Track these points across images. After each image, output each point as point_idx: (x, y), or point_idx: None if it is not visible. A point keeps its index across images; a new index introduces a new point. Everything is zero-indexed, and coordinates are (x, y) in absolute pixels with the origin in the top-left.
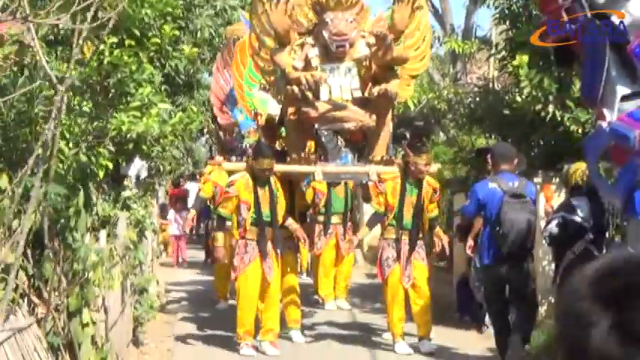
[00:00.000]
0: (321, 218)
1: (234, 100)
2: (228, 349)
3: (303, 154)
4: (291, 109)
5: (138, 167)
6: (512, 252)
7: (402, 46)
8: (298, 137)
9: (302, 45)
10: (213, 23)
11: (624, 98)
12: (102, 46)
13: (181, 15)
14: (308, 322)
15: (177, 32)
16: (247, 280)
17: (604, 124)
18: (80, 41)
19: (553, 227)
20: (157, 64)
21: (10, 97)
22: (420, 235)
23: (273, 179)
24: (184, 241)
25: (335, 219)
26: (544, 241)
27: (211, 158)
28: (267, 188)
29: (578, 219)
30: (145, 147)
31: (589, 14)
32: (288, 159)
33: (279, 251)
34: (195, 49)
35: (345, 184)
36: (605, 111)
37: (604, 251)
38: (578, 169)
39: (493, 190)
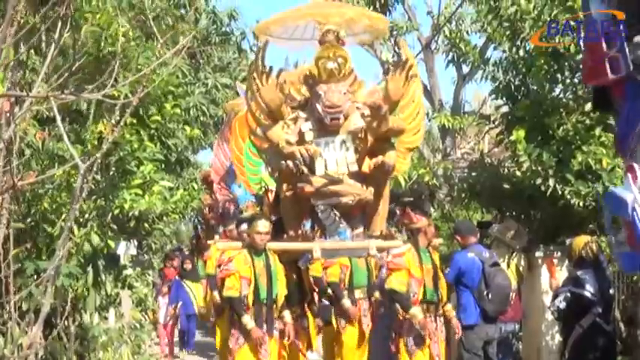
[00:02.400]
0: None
1: (234, 175)
2: None
3: (300, 231)
4: (286, 185)
5: (123, 247)
6: (497, 313)
7: (398, 117)
8: (294, 213)
9: (295, 119)
10: (206, 101)
11: None
12: (100, 125)
13: (181, 94)
14: None
15: (178, 110)
16: None
17: (631, 179)
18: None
19: (561, 302)
20: (157, 141)
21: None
22: (441, 311)
23: (271, 254)
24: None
25: (358, 293)
26: (550, 316)
27: (197, 238)
28: (264, 262)
29: (586, 293)
30: (147, 225)
31: (631, 67)
32: (285, 236)
33: (276, 333)
34: (197, 130)
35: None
36: (636, 166)
37: (612, 325)
38: (583, 242)
39: (472, 259)
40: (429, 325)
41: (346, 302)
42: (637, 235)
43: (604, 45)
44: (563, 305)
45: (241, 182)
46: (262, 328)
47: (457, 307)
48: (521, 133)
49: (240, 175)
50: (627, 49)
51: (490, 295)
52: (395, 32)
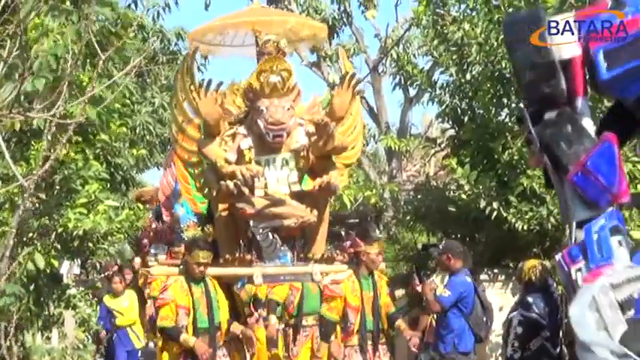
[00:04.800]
0: (292, 321)
1: (178, 195)
2: None
3: (237, 255)
4: (222, 206)
5: (68, 266)
6: (486, 338)
7: (339, 134)
8: (230, 235)
9: (233, 135)
10: (153, 120)
11: (579, 225)
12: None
13: (128, 113)
14: None
15: (124, 129)
16: None
17: (557, 257)
18: (49, 137)
19: (516, 327)
20: (103, 160)
21: None
22: (383, 339)
23: (210, 280)
24: None
25: (310, 320)
26: (494, 338)
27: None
28: (202, 289)
29: (536, 316)
30: (91, 244)
31: (539, 147)
32: (221, 260)
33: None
34: (143, 150)
35: None
36: (568, 240)
37: (559, 349)
38: (532, 265)
39: (470, 284)
40: (369, 354)
41: (236, 327)
42: None
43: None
44: (520, 330)
45: (184, 201)
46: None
47: (446, 332)
48: (454, 160)
49: (186, 193)
50: (534, 130)
51: (485, 318)
52: (345, 59)
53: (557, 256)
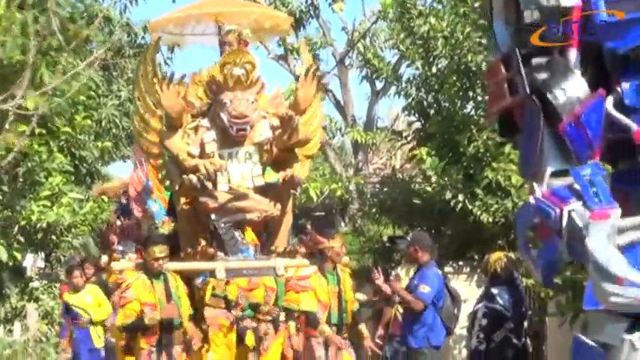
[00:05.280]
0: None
1: (150, 191)
2: None
3: (199, 249)
4: (184, 199)
5: (32, 259)
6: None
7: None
8: (192, 229)
9: (196, 128)
10: (119, 114)
11: (554, 174)
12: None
13: (93, 105)
14: None
15: (88, 122)
16: None
17: (531, 199)
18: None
19: (481, 319)
20: (67, 153)
21: None
22: (345, 334)
23: (170, 275)
24: None
25: (283, 316)
26: (458, 330)
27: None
28: (163, 285)
29: (500, 308)
30: (55, 237)
31: (528, 90)
32: (182, 254)
33: (197, 345)
34: (108, 143)
35: None
36: (535, 186)
37: (523, 340)
38: (497, 258)
39: (441, 277)
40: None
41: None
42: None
43: (502, 68)
44: (484, 322)
45: (156, 198)
46: (174, 351)
47: (418, 327)
48: (424, 150)
49: (157, 190)
50: (524, 72)
51: (455, 311)
52: (311, 47)
53: (532, 199)
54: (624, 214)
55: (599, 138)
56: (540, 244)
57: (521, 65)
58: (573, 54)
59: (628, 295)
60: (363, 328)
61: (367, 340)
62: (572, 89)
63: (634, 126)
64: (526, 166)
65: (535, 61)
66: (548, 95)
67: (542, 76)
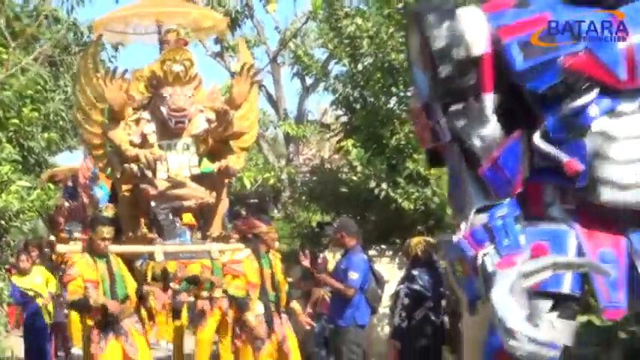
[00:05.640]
0: (205, 294)
1: (96, 177)
2: None
3: (139, 233)
4: (126, 187)
5: None
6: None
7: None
8: (132, 214)
9: (137, 120)
10: (65, 107)
11: (477, 211)
12: None
13: (41, 99)
14: None
15: (35, 114)
16: None
17: (454, 238)
18: None
19: (404, 298)
20: (16, 143)
21: None
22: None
23: (113, 257)
24: None
25: (218, 292)
26: (381, 309)
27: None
28: (105, 265)
29: (420, 288)
30: (4, 222)
31: (448, 138)
32: (124, 237)
33: (139, 327)
34: (55, 134)
35: None
36: (462, 224)
37: (441, 317)
38: (418, 242)
39: (366, 260)
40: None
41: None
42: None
43: (424, 115)
44: (406, 301)
45: (102, 183)
46: (124, 325)
47: (346, 307)
48: (350, 142)
49: (104, 177)
50: (444, 120)
51: (380, 292)
52: (244, 50)
53: (456, 238)
54: (534, 209)
55: (518, 174)
56: (464, 278)
57: (440, 116)
58: (489, 98)
59: (524, 347)
60: (295, 305)
61: (301, 316)
62: (489, 135)
63: (563, 157)
64: (453, 201)
65: (452, 108)
66: (467, 142)
67: (460, 123)
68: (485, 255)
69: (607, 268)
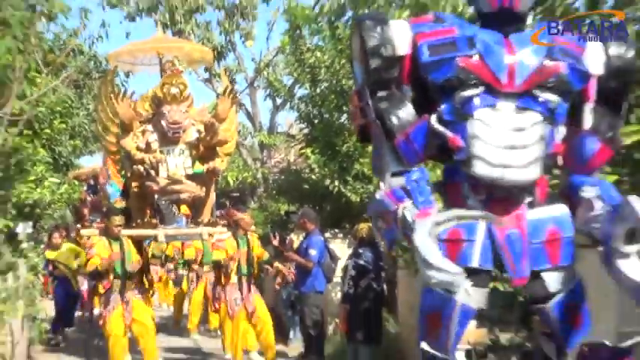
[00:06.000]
0: (195, 268)
1: (109, 177)
2: None
3: (146, 220)
4: (135, 183)
5: (22, 227)
6: (332, 278)
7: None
8: (140, 205)
9: (143, 132)
10: (87, 120)
11: (393, 174)
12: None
13: (68, 114)
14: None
15: (63, 126)
16: (113, 324)
17: (377, 195)
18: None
19: (351, 270)
20: (48, 149)
21: None
22: (253, 281)
23: (125, 239)
24: None
25: (206, 268)
26: (334, 279)
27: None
28: (118, 245)
29: (363, 262)
30: (39, 210)
31: (374, 116)
32: (134, 224)
33: (138, 296)
34: (79, 142)
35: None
36: (381, 184)
37: (381, 286)
38: (363, 227)
39: (322, 240)
40: (243, 290)
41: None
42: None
43: (356, 98)
44: (353, 273)
45: (113, 182)
46: (121, 295)
47: (306, 277)
48: (308, 150)
49: (115, 175)
50: (371, 102)
51: (333, 266)
52: (228, 73)
53: (378, 195)
54: (455, 202)
55: (424, 148)
56: (384, 227)
57: (369, 98)
58: (407, 89)
59: (442, 278)
60: (278, 265)
61: (281, 268)
62: (404, 116)
63: (449, 134)
64: (375, 166)
65: (378, 94)
66: (387, 120)
67: (383, 105)
68: (404, 209)
69: (514, 238)
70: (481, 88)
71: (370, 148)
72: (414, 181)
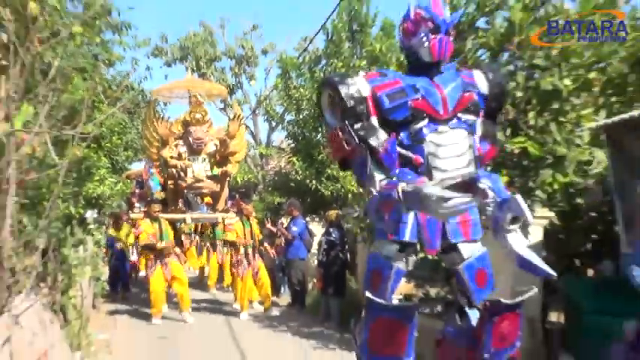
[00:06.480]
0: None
1: (152, 175)
2: (144, 320)
3: (178, 207)
4: (170, 182)
5: (90, 213)
6: (310, 249)
7: (232, 145)
8: (174, 197)
9: (176, 145)
10: (137, 137)
11: (380, 181)
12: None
13: (122, 132)
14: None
15: (119, 141)
16: (154, 281)
17: (374, 193)
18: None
19: (325, 244)
20: (108, 157)
21: (37, 177)
22: (256, 253)
23: (163, 220)
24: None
25: (218, 242)
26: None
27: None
28: (157, 225)
29: (332, 238)
30: (101, 201)
31: (358, 141)
32: (169, 210)
33: (175, 259)
34: (130, 152)
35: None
36: (372, 189)
37: (346, 256)
38: (332, 213)
39: (304, 222)
40: (249, 257)
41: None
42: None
43: (339, 133)
44: (325, 246)
45: (155, 178)
46: (165, 259)
47: (292, 248)
48: (296, 158)
49: (158, 174)
50: (352, 132)
51: (311, 241)
52: (237, 104)
53: (372, 195)
54: None
55: (397, 158)
56: (386, 213)
57: (352, 131)
58: (374, 120)
59: (457, 205)
60: (267, 247)
61: (269, 252)
62: (380, 136)
63: (412, 155)
64: (360, 179)
65: (356, 126)
66: (370, 141)
67: (362, 132)
68: (403, 187)
69: (433, 221)
70: (426, 120)
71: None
72: (396, 174)
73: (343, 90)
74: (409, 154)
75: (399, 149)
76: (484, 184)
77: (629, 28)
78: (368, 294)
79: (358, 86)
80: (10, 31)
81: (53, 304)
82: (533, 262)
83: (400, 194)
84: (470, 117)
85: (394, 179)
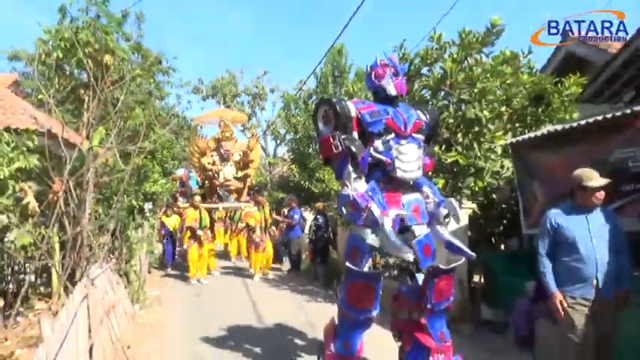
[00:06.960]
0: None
1: (192, 176)
2: (185, 281)
3: (213, 199)
4: (207, 181)
5: (147, 205)
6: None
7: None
8: (210, 192)
9: (211, 155)
10: (181, 150)
11: (355, 179)
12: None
13: (170, 147)
14: (223, 264)
15: (168, 153)
16: (191, 254)
17: (344, 191)
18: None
19: (313, 227)
20: (160, 165)
21: (111, 179)
22: (267, 234)
23: (202, 209)
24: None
25: (239, 224)
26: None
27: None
28: (198, 213)
29: (319, 222)
30: (155, 196)
31: (344, 147)
32: (207, 201)
33: (206, 241)
34: (176, 161)
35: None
36: (347, 183)
37: (329, 235)
38: (319, 205)
39: (299, 211)
40: (263, 238)
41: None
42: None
43: (331, 139)
44: (314, 229)
45: (194, 178)
46: (197, 239)
47: (291, 231)
48: (294, 166)
49: (198, 177)
50: (340, 140)
51: (304, 224)
52: (253, 128)
53: (347, 192)
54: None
55: (367, 163)
56: (350, 211)
57: (341, 138)
58: (355, 134)
59: (400, 249)
60: (273, 230)
61: (275, 233)
62: (359, 145)
63: (384, 158)
64: (339, 175)
65: (343, 136)
66: (352, 148)
67: (347, 142)
68: (371, 207)
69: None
70: (393, 134)
71: (325, 168)
72: (372, 191)
73: (339, 107)
74: (382, 157)
75: (374, 153)
76: (426, 189)
77: (527, 75)
78: (347, 264)
79: (349, 107)
80: (90, 75)
81: (119, 271)
82: (456, 245)
83: (368, 213)
84: (420, 136)
85: (369, 194)
